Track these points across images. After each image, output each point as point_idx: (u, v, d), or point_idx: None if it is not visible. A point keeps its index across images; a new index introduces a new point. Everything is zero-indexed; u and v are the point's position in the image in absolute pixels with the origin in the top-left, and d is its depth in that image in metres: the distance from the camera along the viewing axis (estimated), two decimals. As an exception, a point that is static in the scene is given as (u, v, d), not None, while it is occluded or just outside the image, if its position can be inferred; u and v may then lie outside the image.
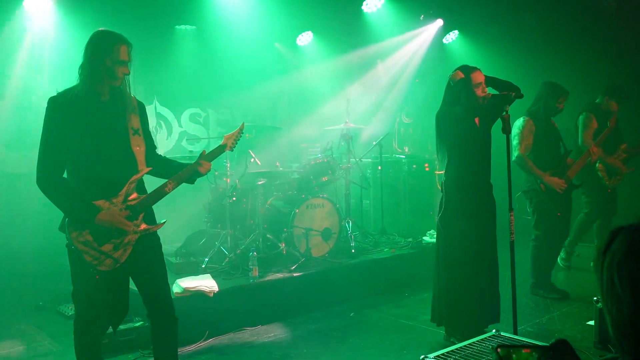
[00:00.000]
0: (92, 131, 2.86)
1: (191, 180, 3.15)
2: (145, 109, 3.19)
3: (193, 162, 3.15)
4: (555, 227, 5.30)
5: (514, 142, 5.22)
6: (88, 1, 6.08)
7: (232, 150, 3.36)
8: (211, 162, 3.17)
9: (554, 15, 7.80)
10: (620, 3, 7.08)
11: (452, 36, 9.02)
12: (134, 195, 2.96)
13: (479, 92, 4.02)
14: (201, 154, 3.17)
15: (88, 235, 2.84)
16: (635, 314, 1.03)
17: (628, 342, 1.06)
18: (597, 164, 5.76)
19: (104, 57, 2.86)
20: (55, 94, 2.93)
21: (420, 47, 8.96)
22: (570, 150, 5.39)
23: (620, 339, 1.08)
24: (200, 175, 3.14)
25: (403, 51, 8.88)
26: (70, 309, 5.05)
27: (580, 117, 5.77)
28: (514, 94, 3.88)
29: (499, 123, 3.93)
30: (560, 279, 5.60)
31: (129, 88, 3.05)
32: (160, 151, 7.34)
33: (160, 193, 3.03)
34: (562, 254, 6.20)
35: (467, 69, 4.09)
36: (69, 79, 2.99)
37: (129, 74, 2.97)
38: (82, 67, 2.89)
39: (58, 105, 2.86)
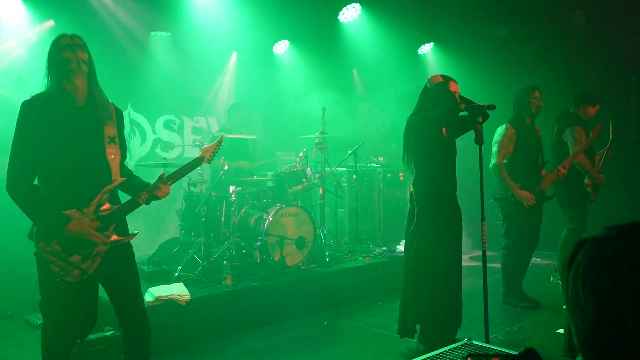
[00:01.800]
0: (66, 137, 2.79)
1: (147, 201, 3.00)
2: (122, 116, 3.11)
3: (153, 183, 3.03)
4: (525, 237, 5.37)
5: (494, 149, 5.26)
6: (61, 6, 6.01)
7: (210, 163, 3.33)
8: (169, 186, 3.04)
9: (525, 29, 7.97)
10: (589, 17, 7.26)
11: (427, 47, 9.15)
12: (107, 206, 2.89)
13: None
14: (160, 177, 3.03)
15: (56, 246, 2.77)
16: (598, 325, 1.06)
17: (590, 352, 1.08)
18: (585, 179, 5.82)
19: (52, 54, 2.84)
20: (28, 97, 2.88)
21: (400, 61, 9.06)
22: (546, 162, 5.48)
23: (583, 348, 1.10)
24: (157, 198, 3.01)
25: (378, 61, 8.96)
26: (38, 318, 4.94)
27: (568, 131, 5.71)
28: (486, 105, 3.96)
29: (471, 134, 3.99)
30: (531, 287, 5.67)
31: (98, 89, 2.96)
32: (134, 158, 7.33)
33: (133, 204, 2.96)
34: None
35: (445, 76, 4.18)
36: (41, 83, 2.94)
37: (82, 57, 2.83)
38: (45, 74, 2.87)
39: (31, 109, 2.79)
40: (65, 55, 2.81)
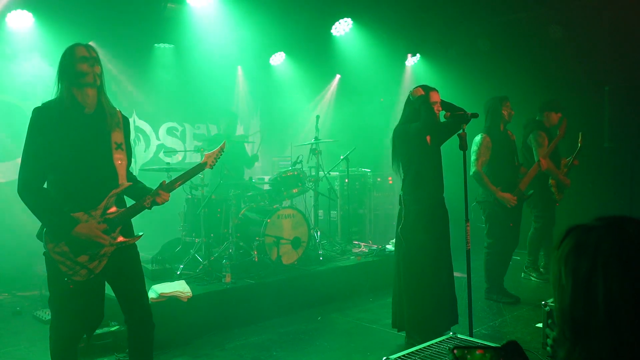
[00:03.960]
0: (75, 143, 2.78)
1: (149, 206, 2.98)
2: (129, 123, 3.10)
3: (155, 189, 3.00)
4: (506, 236, 5.40)
5: (472, 157, 5.30)
6: (70, 18, 5.98)
7: (212, 168, 3.32)
8: (169, 193, 3.01)
9: (505, 42, 8.02)
10: (565, 31, 7.32)
11: (414, 59, 9.18)
12: (113, 209, 2.88)
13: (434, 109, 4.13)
14: (160, 184, 3.01)
15: (64, 247, 2.75)
16: (574, 303, 1.11)
17: (568, 327, 1.14)
18: (549, 180, 5.88)
19: (65, 62, 2.81)
20: (39, 104, 2.86)
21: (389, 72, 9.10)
22: (521, 164, 5.53)
23: (562, 324, 1.15)
24: (157, 204, 2.98)
25: (368, 72, 8.99)
26: (47, 314, 4.91)
27: (532, 136, 5.89)
28: (470, 113, 3.98)
29: (456, 140, 4.00)
30: (512, 284, 5.69)
31: (106, 98, 2.95)
32: (139, 163, 7.30)
33: (139, 207, 2.95)
34: (534, 273, 6.30)
35: (426, 87, 4.20)
36: (50, 92, 2.93)
37: (97, 71, 2.82)
38: (55, 81, 2.84)
39: (42, 116, 2.78)
40: (81, 68, 2.79)
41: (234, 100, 8.41)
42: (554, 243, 1.22)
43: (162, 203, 2.99)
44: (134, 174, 3.24)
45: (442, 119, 4.18)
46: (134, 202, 3.00)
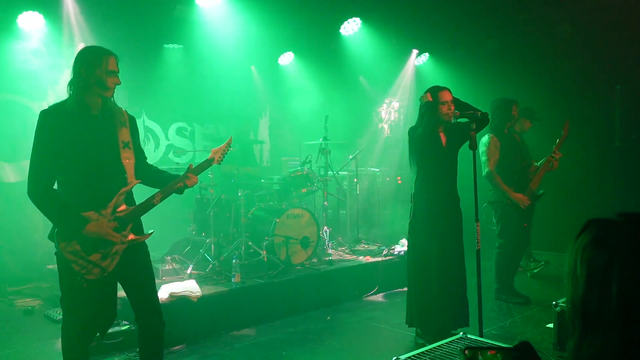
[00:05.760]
0: (82, 144, 2.80)
1: (180, 191, 3.09)
2: (136, 122, 3.12)
3: (181, 174, 3.11)
4: (517, 236, 5.37)
5: (483, 158, 5.27)
6: (79, 19, 6.02)
7: (220, 164, 3.33)
8: (198, 176, 3.11)
9: (514, 41, 7.97)
10: (576, 29, 7.26)
11: (423, 58, 9.15)
12: (123, 207, 2.90)
13: (444, 109, 4.10)
14: (189, 167, 3.10)
15: (76, 245, 2.77)
16: (587, 294, 1.12)
17: (578, 317, 1.15)
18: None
19: (94, 68, 2.81)
20: (47, 107, 2.88)
21: (397, 72, 9.09)
22: (530, 163, 5.48)
23: (573, 315, 1.17)
24: (187, 187, 3.08)
25: (379, 73, 8.96)
26: (58, 313, 4.93)
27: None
28: (479, 112, 3.96)
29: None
30: (522, 285, 5.66)
31: (112, 99, 2.97)
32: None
33: (148, 205, 2.98)
34: (532, 264, 6.26)
35: (435, 89, 4.18)
36: (60, 93, 2.95)
37: (120, 84, 2.91)
38: (72, 82, 2.84)
39: (49, 118, 2.80)
40: (107, 82, 2.84)
41: (243, 100, 8.41)
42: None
43: (192, 186, 3.09)
44: (155, 166, 3.28)
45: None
46: (153, 194, 3.01)
